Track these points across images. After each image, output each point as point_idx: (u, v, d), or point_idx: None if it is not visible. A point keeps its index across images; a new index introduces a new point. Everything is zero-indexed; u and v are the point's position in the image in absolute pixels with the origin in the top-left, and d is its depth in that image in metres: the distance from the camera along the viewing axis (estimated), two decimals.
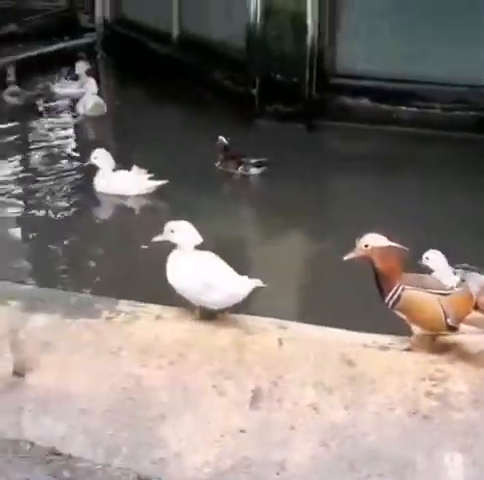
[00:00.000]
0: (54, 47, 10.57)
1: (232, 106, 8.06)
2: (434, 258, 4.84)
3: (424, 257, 4.83)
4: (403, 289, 3.49)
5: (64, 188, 6.60)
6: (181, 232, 3.66)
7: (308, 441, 3.24)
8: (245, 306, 3.84)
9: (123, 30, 10.52)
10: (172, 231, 3.65)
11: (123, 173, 6.60)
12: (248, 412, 3.32)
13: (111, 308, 3.72)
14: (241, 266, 3.79)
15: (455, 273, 4.68)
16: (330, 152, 7.47)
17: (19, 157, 7.44)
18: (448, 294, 3.51)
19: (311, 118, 8.10)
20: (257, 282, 3.57)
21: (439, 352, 3.55)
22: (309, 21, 7.90)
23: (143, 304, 3.80)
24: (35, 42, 10.52)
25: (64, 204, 6.30)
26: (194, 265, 3.59)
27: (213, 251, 3.67)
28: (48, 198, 6.38)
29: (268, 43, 8.09)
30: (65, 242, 5.67)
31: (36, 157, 7.47)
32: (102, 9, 10.92)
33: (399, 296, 3.50)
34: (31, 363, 3.42)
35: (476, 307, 3.41)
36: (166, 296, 3.71)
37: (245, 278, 3.57)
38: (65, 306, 3.66)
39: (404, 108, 8.07)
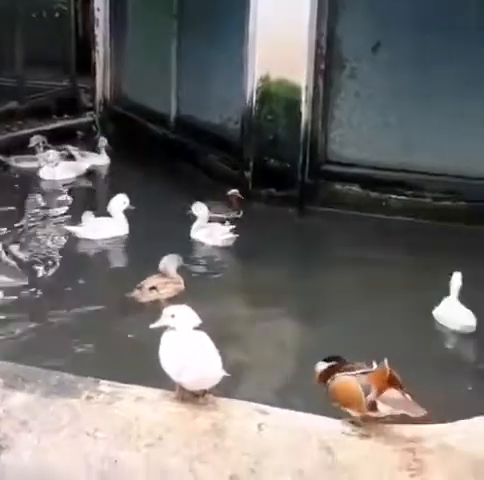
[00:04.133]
0: (51, 125, 10.78)
1: (227, 189, 8.18)
2: None
3: None
4: (332, 379, 3.70)
5: None
6: (181, 317, 3.72)
7: None
8: (230, 388, 3.87)
9: (122, 110, 10.75)
10: (172, 316, 3.71)
11: None
12: None
13: (92, 388, 3.72)
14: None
15: None
16: (319, 238, 7.57)
17: None
18: (368, 372, 3.65)
19: (303, 203, 8.23)
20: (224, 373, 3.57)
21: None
22: (303, 108, 8.09)
23: (125, 385, 3.79)
24: (35, 120, 10.74)
25: None
26: (176, 345, 3.63)
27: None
28: None
29: (262, 128, 8.27)
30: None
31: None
32: (102, 88, 11.17)
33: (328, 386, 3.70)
34: (7, 441, 3.41)
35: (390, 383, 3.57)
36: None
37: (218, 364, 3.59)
38: (45, 385, 3.67)
39: (394, 196, 8.21)
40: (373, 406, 3.54)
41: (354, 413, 3.61)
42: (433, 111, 8.07)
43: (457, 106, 8.01)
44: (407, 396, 3.58)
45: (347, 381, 3.67)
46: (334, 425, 3.68)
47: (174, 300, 5.02)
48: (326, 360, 3.86)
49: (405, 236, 7.32)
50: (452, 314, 5.65)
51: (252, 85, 8.23)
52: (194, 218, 7.32)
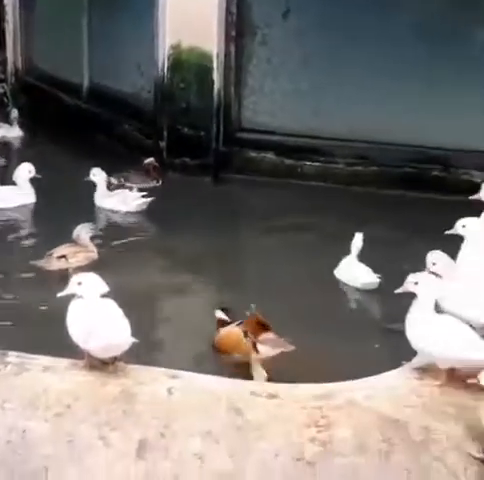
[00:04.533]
0: None
1: (142, 158, 8.11)
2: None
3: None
4: (217, 333, 4.44)
5: None
6: (87, 284, 3.72)
7: None
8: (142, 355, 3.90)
9: (33, 81, 10.53)
10: (79, 284, 3.70)
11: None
12: (133, 463, 3.32)
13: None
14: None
15: None
16: (235, 205, 7.60)
17: None
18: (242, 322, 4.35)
19: (218, 171, 8.24)
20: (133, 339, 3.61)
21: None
22: (215, 76, 8.07)
23: (32, 355, 3.77)
24: None
25: None
26: (83, 313, 3.62)
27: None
28: None
29: (175, 96, 8.22)
30: None
31: None
32: (13, 59, 10.91)
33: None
34: None
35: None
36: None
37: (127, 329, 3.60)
38: None
39: (308, 163, 8.29)
40: (254, 348, 4.13)
41: (240, 357, 4.15)
42: (343, 77, 8.14)
43: (366, 72, 8.10)
44: (277, 336, 4.26)
45: (228, 330, 4.32)
46: (243, 386, 3.73)
47: (86, 269, 4.96)
48: (222, 309, 4.64)
49: (319, 201, 7.39)
50: (352, 272, 5.78)
51: (163, 53, 8.16)
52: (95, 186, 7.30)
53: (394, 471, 3.40)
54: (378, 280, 5.64)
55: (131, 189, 7.50)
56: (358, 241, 5.83)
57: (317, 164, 8.28)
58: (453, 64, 8.06)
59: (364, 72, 8.15)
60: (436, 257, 4.27)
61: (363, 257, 5.80)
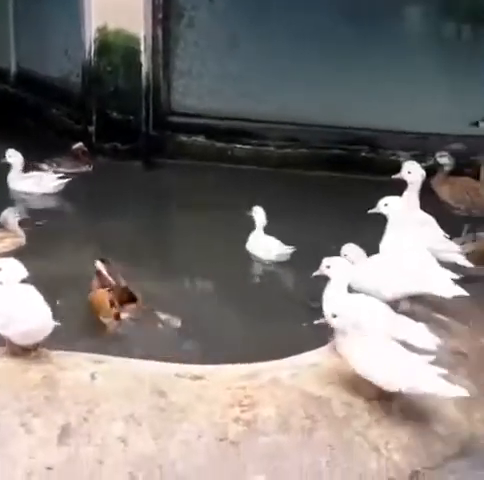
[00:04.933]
0: None
1: (71, 143, 8.00)
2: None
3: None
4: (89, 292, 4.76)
5: None
6: (6, 270, 3.70)
7: (116, 474, 3.25)
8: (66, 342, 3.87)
9: None
10: None
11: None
12: (56, 449, 3.29)
13: None
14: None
15: None
16: (164, 189, 7.55)
17: None
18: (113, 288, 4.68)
19: (149, 156, 8.17)
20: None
21: None
22: (143, 59, 7.99)
23: None
24: None
25: None
26: (2, 299, 3.57)
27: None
28: None
29: (103, 80, 8.11)
30: None
31: None
32: None
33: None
34: None
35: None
36: None
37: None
38: None
39: (239, 146, 8.29)
40: (117, 316, 4.54)
41: (105, 320, 4.53)
42: (272, 59, 8.14)
43: (295, 54, 8.12)
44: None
45: (98, 294, 4.67)
46: (167, 368, 3.74)
47: (12, 254, 4.87)
48: (101, 260, 4.90)
49: (248, 184, 7.38)
50: (261, 245, 5.88)
51: (90, 36, 8.04)
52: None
53: (317, 447, 3.45)
54: (290, 251, 5.75)
55: (49, 171, 7.36)
56: (259, 215, 5.94)
57: (248, 147, 8.27)
58: (380, 46, 8.13)
59: (293, 54, 8.15)
60: (348, 249, 4.27)
61: (285, 236, 5.87)
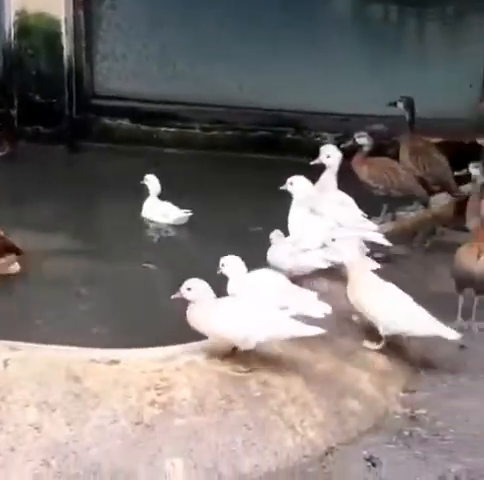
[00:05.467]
0: None
1: None
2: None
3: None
4: None
5: None
6: None
7: (29, 461, 3.22)
8: None
9: None
10: None
11: None
12: None
13: None
14: None
15: None
16: (87, 172, 7.45)
17: None
18: None
19: (72, 139, 8.08)
20: None
21: None
22: (64, 41, 7.89)
23: None
24: None
25: None
26: None
27: None
28: None
29: (24, 63, 7.99)
30: None
31: None
32: None
33: None
34: None
35: None
36: None
37: None
38: None
39: (165, 128, 8.25)
40: None
41: None
42: (196, 41, 8.11)
43: (220, 35, 8.10)
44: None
45: None
46: (83, 353, 3.70)
47: None
48: None
49: (172, 166, 7.35)
50: (157, 211, 6.10)
51: (9, 20, 7.90)
52: None
53: (233, 427, 3.46)
54: (188, 214, 5.97)
55: None
56: (152, 182, 6.18)
57: (173, 130, 8.24)
58: (305, 28, 8.17)
59: (218, 36, 8.14)
60: (226, 261, 4.23)
61: (202, 214, 5.98)
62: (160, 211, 6.11)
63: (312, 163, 5.19)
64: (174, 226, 6.06)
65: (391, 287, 4.23)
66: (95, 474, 3.21)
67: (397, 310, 4.09)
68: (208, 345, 3.76)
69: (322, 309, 3.97)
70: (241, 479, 3.33)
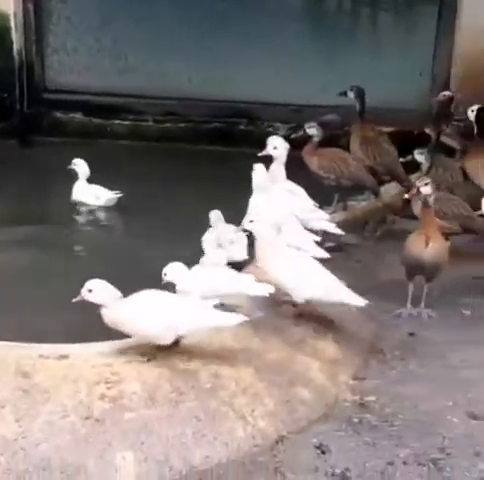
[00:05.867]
0: None
1: None
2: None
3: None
4: None
5: None
6: None
7: None
8: None
9: None
10: None
11: None
12: None
13: None
14: None
15: None
16: (38, 167, 7.39)
17: None
18: None
19: (24, 133, 8.02)
20: None
21: None
22: (14, 35, 7.83)
23: None
24: None
25: None
26: None
27: None
28: None
29: None
30: None
31: None
32: None
33: None
34: None
35: None
36: None
37: None
38: None
39: (118, 121, 8.22)
40: None
41: None
42: (148, 32, 8.11)
43: (171, 28, 8.09)
44: None
45: None
46: (32, 349, 3.69)
47: None
48: None
49: (127, 159, 7.35)
50: (87, 193, 6.34)
51: None
52: None
53: (183, 419, 3.47)
54: (118, 195, 6.22)
55: None
56: (80, 166, 6.42)
57: (126, 122, 8.23)
58: (258, 19, 8.19)
59: (169, 28, 8.13)
60: (170, 268, 4.24)
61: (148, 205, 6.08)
62: (91, 193, 6.32)
63: (260, 155, 5.21)
64: (106, 209, 6.25)
65: (302, 257, 4.26)
66: (45, 470, 3.21)
67: (307, 278, 4.12)
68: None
69: (264, 288, 4.02)
70: (192, 471, 3.34)
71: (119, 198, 6.26)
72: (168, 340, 3.66)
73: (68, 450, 3.28)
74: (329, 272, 4.20)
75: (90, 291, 3.65)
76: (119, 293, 3.68)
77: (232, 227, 4.84)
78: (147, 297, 3.70)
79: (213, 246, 4.80)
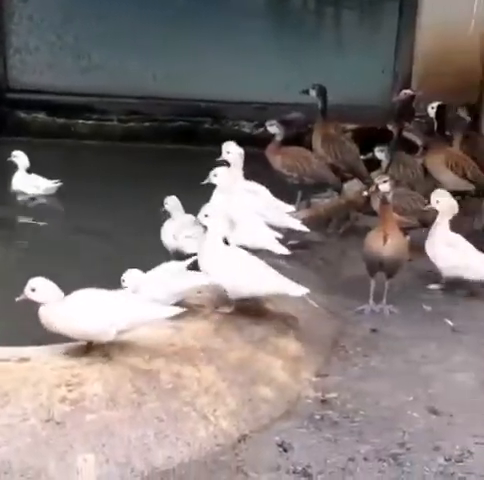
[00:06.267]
0: None
1: None
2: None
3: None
4: None
5: None
6: None
7: None
8: None
9: None
10: None
11: None
12: None
13: None
14: None
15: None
16: (3, 167, 7.33)
17: None
18: None
19: None
20: None
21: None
22: None
23: None
24: None
25: None
26: None
27: None
28: None
29: None
30: None
31: None
32: None
33: None
34: None
35: None
36: None
37: None
38: None
39: (81, 121, 8.18)
40: None
41: None
42: (111, 32, 8.08)
43: (134, 26, 8.07)
44: None
45: None
46: None
47: None
48: None
49: (91, 158, 7.32)
50: (27, 183, 6.56)
51: None
52: None
53: (145, 420, 3.47)
54: (57, 184, 6.45)
55: None
56: (20, 157, 6.59)
57: (90, 122, 8.21)
58: (222, 17, 8.20)
59: (132, 26, 8.11)
60: (129, 276, 4.18)
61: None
62: (30, 183, 6.54)
63: (218, 160, 5.21)
64: (46, 197, 6.45)
65: (237, 251, 4.28)
66: (6, 473, 3.19)
67: (242, 272, 4.14)
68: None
69: (208, 278, 4.10)
70: (154, 472, 3.34)
71: (59, 188, 6.48)
72: (109, 337, 3.66)
73: (29, 453, 3.27)
74: (267, 265, 4.22)
75: (33, 290, 3.59)
76: (61, 292, 3.64)
77: (191, 217, 4.96)
78: (84, 296, 3.67)
79: (171, 237, 4.96)
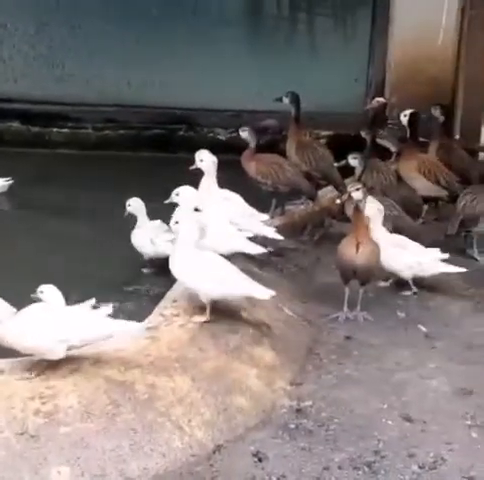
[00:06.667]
0: None
1: None
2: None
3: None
4: None
5: None
6: None
7: None
8: None
9: None
10: None
11: None
12: None
13: None
14: None
15: None
16: None
17: None
18: None
19: None
20: None
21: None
22: None
23: None
24: None
25: None
26: None
27: None
28: None
29: None
30: None
31: None
32: None
33: None
34: None
35: None
36: None
37: None
38: None
39: (56, 129, 8.16)
40: None
41: None
42: (85, 40, 8.08)
43: (108, 35, 8.08)
44: None
45: None
46: None
47: None
48: None
49: (66, 167, 7.30)
50: None
51: None
52: None
53: (120, 432, 3.46)
54: (8, 182, 6.51)
55: None
56: None
57: (65, 130, 8.19)
58: (194, 23, 8.22)
59: (106, 35, 8.11)
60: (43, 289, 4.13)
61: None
62: None
63: (190, 168, 5.19)
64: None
65: (207, 254, 4.27)
66: None
67: (210, 276, 4.16)
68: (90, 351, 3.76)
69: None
70: None
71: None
72: (59, 354, 3.62)
73: (3, 466, 3.25)
74: (235, 267, 4.25)
75: None
76: (13, 309, 3.63)
77: (159, 222, 5.12)
78: (36, 312, 3.65)
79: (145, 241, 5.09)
